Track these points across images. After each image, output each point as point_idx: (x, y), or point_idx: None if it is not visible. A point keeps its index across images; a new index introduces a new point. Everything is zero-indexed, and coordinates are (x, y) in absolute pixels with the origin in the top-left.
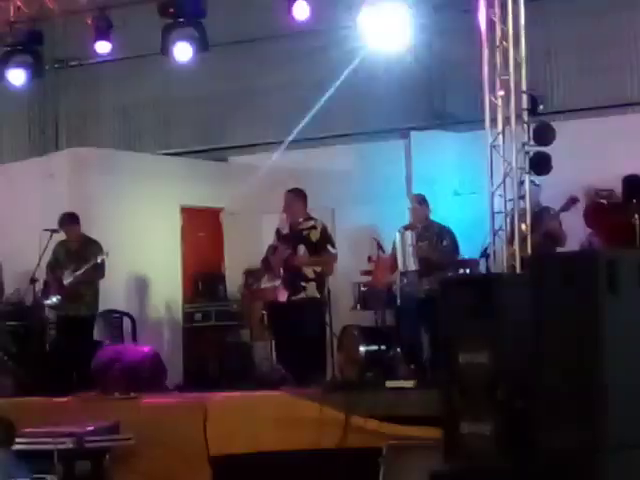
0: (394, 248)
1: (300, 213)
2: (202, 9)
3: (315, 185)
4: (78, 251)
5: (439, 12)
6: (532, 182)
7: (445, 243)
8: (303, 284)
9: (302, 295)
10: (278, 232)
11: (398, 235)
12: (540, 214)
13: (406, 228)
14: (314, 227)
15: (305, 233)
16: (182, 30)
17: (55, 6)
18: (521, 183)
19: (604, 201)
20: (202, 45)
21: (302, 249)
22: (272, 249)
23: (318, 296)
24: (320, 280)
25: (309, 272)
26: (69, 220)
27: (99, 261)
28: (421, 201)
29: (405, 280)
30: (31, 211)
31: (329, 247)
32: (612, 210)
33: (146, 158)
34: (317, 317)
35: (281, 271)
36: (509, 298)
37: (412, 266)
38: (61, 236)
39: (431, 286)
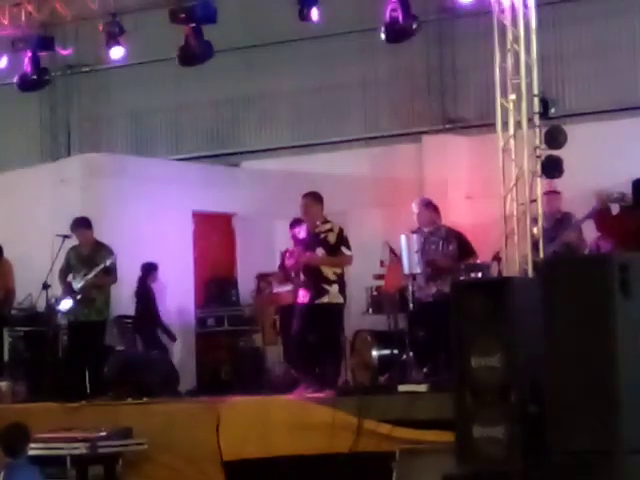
0: None
1: (318, 216)
2: (212, 15)
3: (327, 189)
4: (89, 256)
5: (451, 17)
6: (554, 191)
7: (451, 247)
8: (326, 287)
9: (326, 299)
10: (294, 237)
11: (404, 238)
12: (561, 221)
13: (412, 232)
14: (331, 230)
15: (323, 236)
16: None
17: (67, 12)
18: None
19: (615, 204)
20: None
21: (320, 252)
22: (288, 253)
23: (342, 301)
24: (342, 282)
25: (330, 274)
26: (81, 225)
27: (108, 264)
28: (426, 204)
29: (416, 285)
30: (43, 217)
31: (344, 249)
32: (623, 214)
33: (158, 163)
34: (339, 322)
35: (301, 274)
36: (521, 302)
37: (417, 269)
38: (73, 241)
39: (439, 289)
